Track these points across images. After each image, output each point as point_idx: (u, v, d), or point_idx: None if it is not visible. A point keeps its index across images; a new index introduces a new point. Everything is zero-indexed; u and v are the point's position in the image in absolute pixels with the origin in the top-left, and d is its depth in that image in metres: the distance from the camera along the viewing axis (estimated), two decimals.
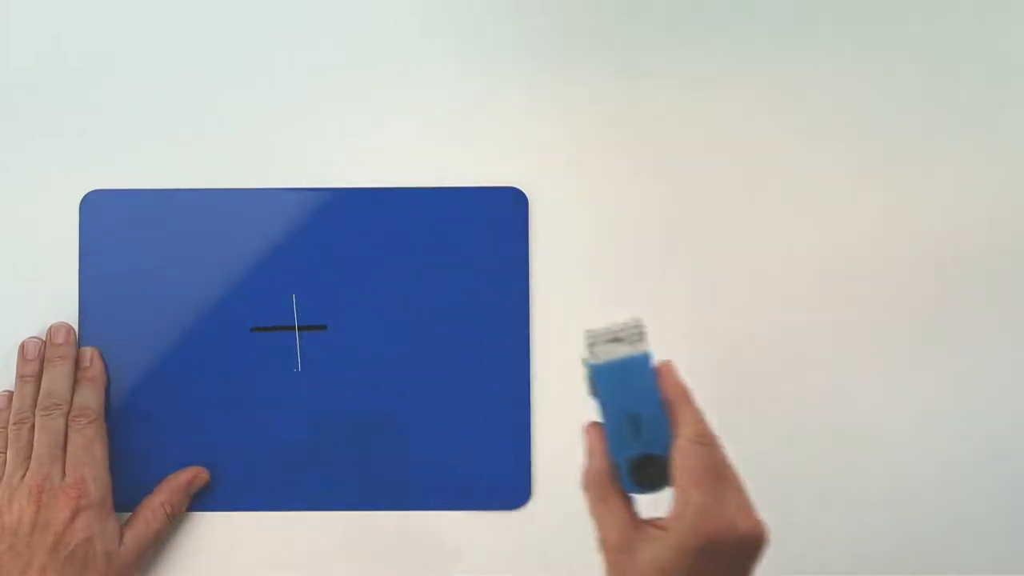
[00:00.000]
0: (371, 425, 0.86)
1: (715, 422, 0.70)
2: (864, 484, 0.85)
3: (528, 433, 0.86)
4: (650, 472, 0.71)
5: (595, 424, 0.73)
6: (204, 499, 0.85)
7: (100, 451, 0.83)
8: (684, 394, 0.72)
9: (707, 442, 0.71)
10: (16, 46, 0.88)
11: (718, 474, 0.70)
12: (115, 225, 0.86)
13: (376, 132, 0.87)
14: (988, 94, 0.88)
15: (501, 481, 0.85)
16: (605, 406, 0.72)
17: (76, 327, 0.86)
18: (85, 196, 0.87)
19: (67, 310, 0.86)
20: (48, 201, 0.87)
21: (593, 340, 0.73)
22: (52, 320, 0.86)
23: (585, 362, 0.73)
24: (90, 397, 0.84)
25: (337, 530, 0.85)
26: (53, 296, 0.86)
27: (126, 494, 0.84)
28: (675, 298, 0.86)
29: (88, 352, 0.85)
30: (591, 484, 0.72)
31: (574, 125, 0.87)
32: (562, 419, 0.86)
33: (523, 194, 0.87)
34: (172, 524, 0.85)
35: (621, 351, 0.72)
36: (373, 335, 0.86)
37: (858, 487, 0.85)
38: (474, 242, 0.86)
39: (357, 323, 0.86)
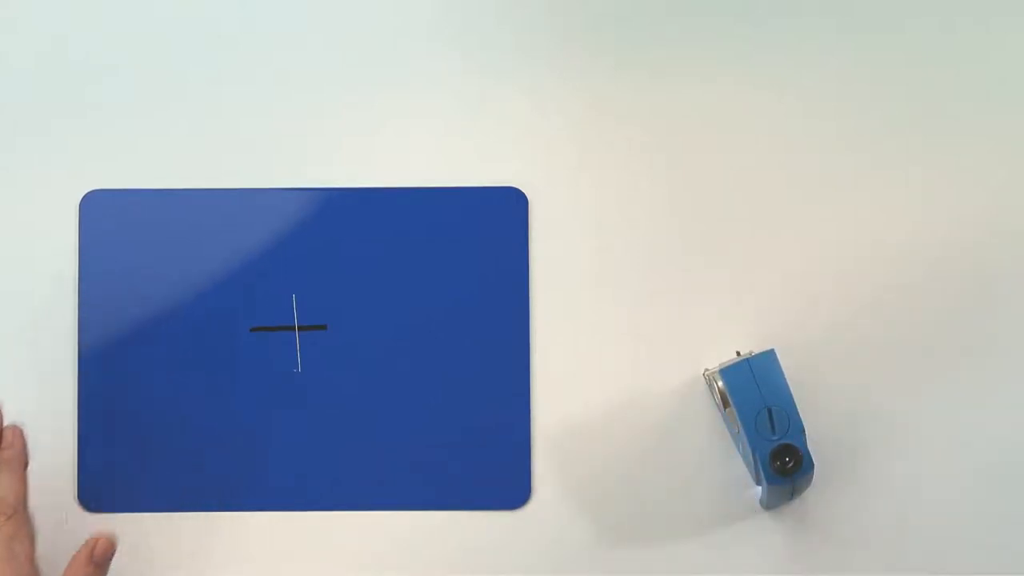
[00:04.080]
0: (371, 425, 0.85)
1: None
2: (865, 480, 0.85)
3: (528, 433, 0.86)
4: (788, 461, 0.77)
5: None
6: (204, 499, 0.85)
7: (22, 548, 0.74)
8: None
9: None
10: (16, 46, 0.88)
11: None
12: (115, 225, 0.86)
13: (376, 132, 0.87)
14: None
15: (501, 481, 0.85)
16: (739, 406, 0.78)
17: (76, 327, 0.85)
18: (85, 196, 0.87)
19: (66, 310, 0.86)
20: (47, 201, 0.87)
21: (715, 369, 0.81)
22: (51, 320, 0.86)
23: (715, 372, 0.80)
24: (7, 487, 0.75)
25: (337, 530, 0.85)
26: (52, 296, 0.86)
27: (126, 495, 0.84)
28: (677, 299, 0.86)
29: (9, 431, 0.78)
30: None
31: (574, 125, 0.87)
32: (562, 419, 0.86)
33: (523, 194, 0.87)
34: None
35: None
36: (373, 335, 0.86)
37: (860, 483, 0.85)
38: (474, 242, 0.86)
39: (357, 323, 0.86)
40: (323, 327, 0.86)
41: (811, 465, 0.78)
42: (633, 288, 0.86)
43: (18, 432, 0.78)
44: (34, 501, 0.85)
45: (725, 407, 0.80)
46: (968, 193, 0.87)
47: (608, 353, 0.86)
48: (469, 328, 0.86)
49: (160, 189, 0.87)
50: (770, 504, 0.83)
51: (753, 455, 0.78)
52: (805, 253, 0.87)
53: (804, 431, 0.78)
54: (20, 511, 0.75)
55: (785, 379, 0.79)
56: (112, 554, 0.77)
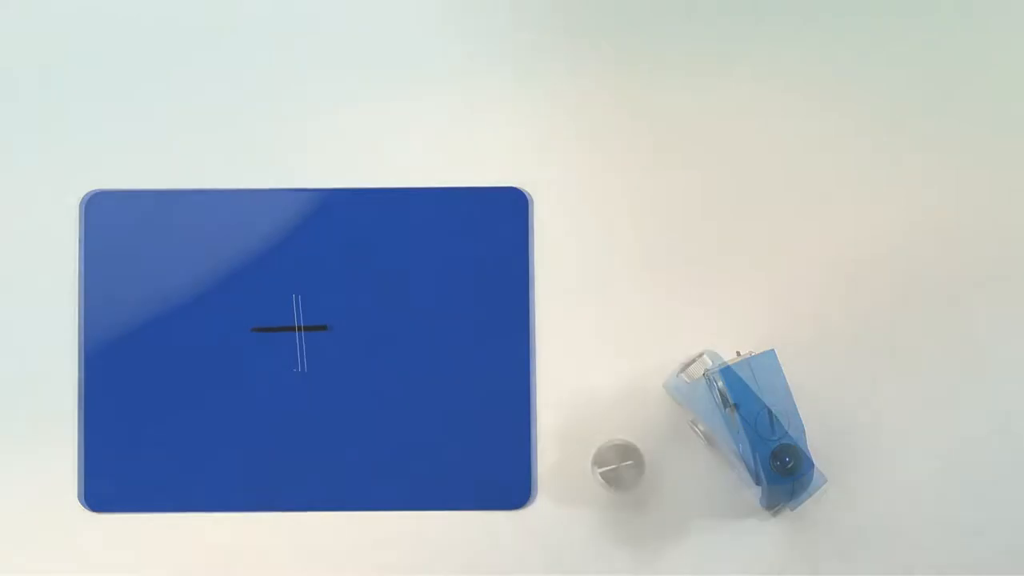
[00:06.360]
0: (372, 425, 0.86)
1: None
2: (864, 480, 0.85)
3: (529, 433, 0.86)
4: (788, 461, 0.78)
5: None
6: (205, 499, 0.86)
7: None
8: None
9: None
10: (16, 46, 0.88)
11: None
12: (116, 225, 0.87)
13: (376, 132, 0.87)
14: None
15: (502, 481, 0.85)
16: (740, 406, 0.78)
17: (78, 327, 0.86)
18: (86, 197, 0.87)
19: (68, 310, 0.86)
20: (49, 201, 0.87)
21: (712, 367, 0.81)
22: (53, 321, 0.86)
23: (715, 372, 0.80)
24: None
25: (337, 530, 0.85)
26: (54, 296, 0.86)
27: (128, 495, 0.85)
28: (678, 300, 0.86)
29: None
30: None
31: (575, 125, 0.87)
32: (562, 419, 0.86)
33: (524, 194, 0.87)
34: None
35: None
36: (375, 335, 0.86)
37: (859, 482, 0.85)
38: (475, 242, 0.86)
39: (358, 323, 0.86)
40: (324, 327, 0.86)
41: (811, 465, 0.78)
42: (633, 288, 0.86)
43: None
44: (36, 501, 0.85)
45: (725, 407, 0.80)
46: (969, 195, 0.87)
47: (608, 353, 0.86)
48: (470, 328, 0.86)
49: (162, 190, 0.87)
50: (770, 504, 0.83)
51: (753, 455, 0.78)
52: (805, 253, 0.87)
53: (804, 431, 0.78)
54: None
55: (785, 379, 0.79)
56: None
